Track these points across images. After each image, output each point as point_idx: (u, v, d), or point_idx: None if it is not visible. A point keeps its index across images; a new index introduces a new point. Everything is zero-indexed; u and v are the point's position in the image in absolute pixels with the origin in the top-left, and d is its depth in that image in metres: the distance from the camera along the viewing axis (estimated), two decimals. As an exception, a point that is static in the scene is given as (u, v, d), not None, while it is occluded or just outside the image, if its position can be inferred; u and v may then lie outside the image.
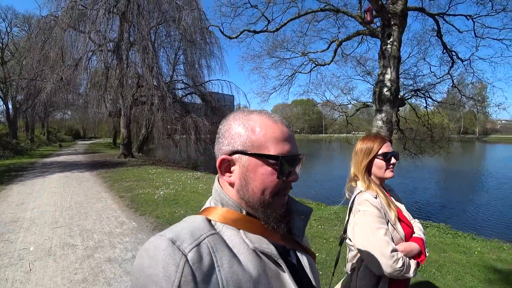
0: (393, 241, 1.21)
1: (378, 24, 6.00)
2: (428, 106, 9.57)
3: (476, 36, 7.80)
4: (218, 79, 17.39)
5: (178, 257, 0.48)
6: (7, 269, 3.04)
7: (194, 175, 10.00)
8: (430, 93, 9.34)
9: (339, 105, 11.18)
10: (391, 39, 4.86)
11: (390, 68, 4.82)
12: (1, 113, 31.72)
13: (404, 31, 5.04)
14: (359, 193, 1.33)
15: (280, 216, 0.60)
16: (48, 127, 35.52)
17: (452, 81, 9.08)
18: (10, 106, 23.82)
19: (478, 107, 10.04)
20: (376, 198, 1.28)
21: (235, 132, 0.60)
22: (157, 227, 4.39)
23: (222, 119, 0.65)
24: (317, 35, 8.62)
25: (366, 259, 1.22)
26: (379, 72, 5.08)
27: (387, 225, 1.24)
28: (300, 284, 0.61)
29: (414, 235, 1.32)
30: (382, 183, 1.40)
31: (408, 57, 10.01)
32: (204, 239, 0.53)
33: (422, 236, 1.33)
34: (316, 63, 8.95)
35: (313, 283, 0.65)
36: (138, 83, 15.30)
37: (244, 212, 0.61)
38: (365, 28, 6.38)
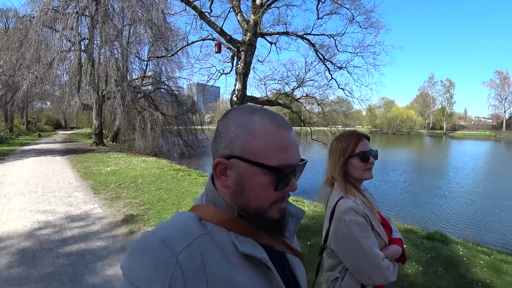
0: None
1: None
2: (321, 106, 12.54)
3: (338, 50, 10.61)
4: (179, 77, 19.88)
5: (169, 257, 0.48)
6: (-3, 200, 5.71)
7: (145, 159, 12.59)
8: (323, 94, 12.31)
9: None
10: (240, 61, 7.50)
11: (239, 81, 7.52)
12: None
13: (253, 54, 7.61)
14: (340, 199, 1.24)
15: (275, 223, 0.59)
16: (27, 117, 36.83)
17: (337, 83, 11.83)
18: (-11, 98, 25.54)
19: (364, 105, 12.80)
20: (359, 204, 1.22)
21: (234, 134, 0.57)
22: (91, 184, 7.09)
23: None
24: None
25: (355, 271, 1.18)
26: (234, 83, 7.78)
27: (372, 232, 1.19)
28: (287, 285, 0.61)
29: (392, 236, 1.30)
30: (360, 184, 1.33)
31: (316, 65, 12.81)
32: (195, 239, 0.52)
33: (399, 235, 1.31)
34: (221, 72, 11.67)
35: (300, 284, 0.66)
36: (106, 81, 17.60)
37: (235, 214, 0.59)
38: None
